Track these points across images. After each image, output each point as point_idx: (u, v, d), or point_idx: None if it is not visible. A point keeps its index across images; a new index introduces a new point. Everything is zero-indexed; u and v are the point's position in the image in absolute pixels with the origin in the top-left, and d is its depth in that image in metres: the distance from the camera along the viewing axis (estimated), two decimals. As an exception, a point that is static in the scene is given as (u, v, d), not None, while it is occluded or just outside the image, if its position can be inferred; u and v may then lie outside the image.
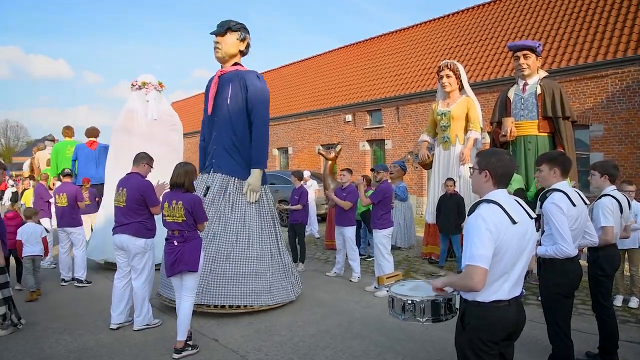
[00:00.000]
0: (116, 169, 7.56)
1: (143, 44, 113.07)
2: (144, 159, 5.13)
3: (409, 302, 2.63)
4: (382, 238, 6.36)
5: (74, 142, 10.11)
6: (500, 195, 2.39)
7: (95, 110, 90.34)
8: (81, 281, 6.98)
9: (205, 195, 5.60)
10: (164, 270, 5.15)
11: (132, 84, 8.44)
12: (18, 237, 6.29)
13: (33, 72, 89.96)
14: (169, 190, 4.51)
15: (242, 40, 6.07)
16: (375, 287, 6.40)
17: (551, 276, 3.34)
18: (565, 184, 3.39)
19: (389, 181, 6.93)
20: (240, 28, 6.02)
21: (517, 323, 2.42)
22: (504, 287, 2.33)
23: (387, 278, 3.04)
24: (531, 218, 2.45)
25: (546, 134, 7.36)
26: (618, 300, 5.62)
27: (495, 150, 2.57)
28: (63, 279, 7.07)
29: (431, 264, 8.14)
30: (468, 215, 2.41)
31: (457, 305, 2.59)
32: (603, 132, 11.63)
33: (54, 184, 9.09)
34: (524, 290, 5.90)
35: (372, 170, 7.45)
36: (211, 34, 6.03)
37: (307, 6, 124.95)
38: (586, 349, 4.18)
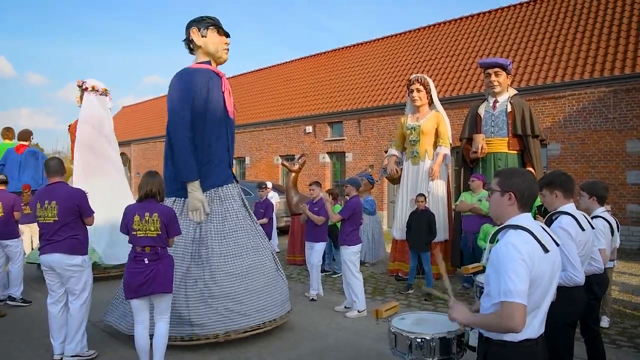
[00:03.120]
0: (95, 175, 7.40)
1: (92, 46, 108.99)
2: (62, 168, 4.51)
3: (419, 340, 2.32)
4: (351, 255, 6.06)
5: (12, 145, 9.30)
6: (527, 220, 2.14)
7: (39, 113, 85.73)
8: (15, 299, 6.25)
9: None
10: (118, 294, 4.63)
11: (94, 88, 8.14)
12: None
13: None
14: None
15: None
16: (345, 307, 6.09)
17: (559, 305, 3.12)
18: (572, 207, 3.20)
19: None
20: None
21: None
22: (533, 323, 2.07)
23: (385, 311, 2.72)
24: (557, 245, 2.20)
25: (516, 152, 7.37)
26: (590, 321, 5.57)
27: (518, 170, 2.31)
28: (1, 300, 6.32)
29: (398, 280, 7.92)
30: (490, 242, 2.14)
31: (471, 343, 2.30)
32: (560, 152, 11.93)
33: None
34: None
35: (336, 183, 7.14)
36: (227, 34, 5.59)
37: (267, 15, 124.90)
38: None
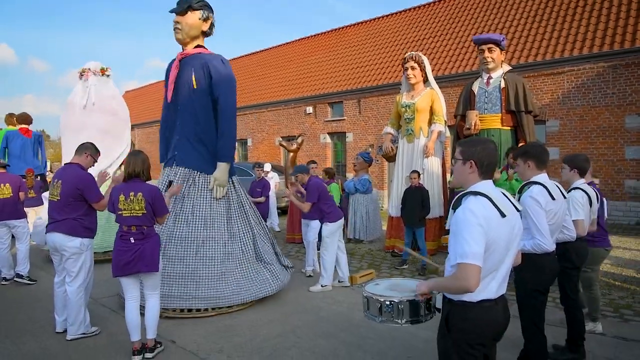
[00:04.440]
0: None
1: (95, 32, 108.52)
2: (87, 149, 4.56)
3: (387, 302, 2.44)
4: (328, 232, 6.17)
5: (15, 129, 9.47)
6: (487, 186, 2.24)
7: (43, 99, 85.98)
8: (22, 277, 6.47)
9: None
10: None
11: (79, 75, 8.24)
12: None
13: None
14: (110, 178, 4.12)
15: (205, 19, 5.49)
16: (339, 282, 6.18)
17: (528, 272, 3.24)
18: (544, 177, 3.29)
19: (317, 176, 6.79)
20: (203, 6, 5.45)
21: (504, 323, 2.28)
22: (491, 285, 2.18)
23: (360, 277, 2.85)
24: (518, 211, 2.31)
25: (509, 128, 7.41)
26: (579, 293, 5.69)
27: (479, 139, 2.41)
28: (4, 278, 6.53)
29: (394, 256, 8.06)
30: (452, 209, 2.24)
31: (437, 305, 2.42)
32: (559, 128, 11.93)
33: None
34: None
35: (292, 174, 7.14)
36: (170, 12, 5.44)
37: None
38: (552, 341, 4.15)
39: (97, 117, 7.90)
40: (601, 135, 11.35)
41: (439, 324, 2.35)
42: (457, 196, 2.27)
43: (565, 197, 3.42)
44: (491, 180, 2.29)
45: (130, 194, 3.88)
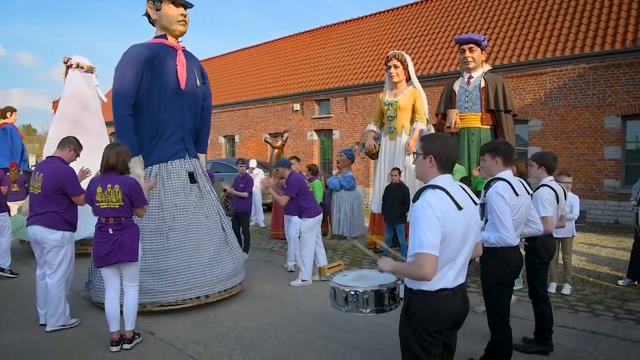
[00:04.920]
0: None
1: (84, 26, 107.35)
2: (71, 144, 4.60)
3: (352, 293, 2.55)
4: (307, 227, 6.26)
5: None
6: (445, 180, 2.34)
7: (30, 93, 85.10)
8: (3, 270, 6.48)
9: (192, 182, 5.46)
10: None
11: (79, 65, 8.33)
12: None
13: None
14: (92, 175, 4.16)
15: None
16: (302, 281, 6.22)
17: (493, 265, 3.36)
18: (509, 174, 3.41)
19: (298, 171, 6.86)
20: None
21: (462, 312, 2.38)
22: (449, 274, 2.28)
23: (328, 268, 2.96)
24: (475, 204, 2.41)
25: (488, 127, 7.54)
26: (552, 288, 5.83)
27: (439, 135, 2.51)
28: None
29: (376, 253, 8.17)
30: (413, 202, 2.33)
31: (401, 295, 2.53)
32: (541, 127, 12.13)
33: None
34: (467, 280, 6.04)
35: (274, 167, 7.15)
36: (184, 5, 5.47)
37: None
38: (522, 334, 4.29)
39: (70, 107, 8.11)
40: (582, 135, 11.57)
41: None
42: (417, 190, 2.37)
43: (529, 193, 3.54)
44: (450, 175, 2.39)
45: (107, 186, 3.93)
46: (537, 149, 11.90)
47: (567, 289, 5.82)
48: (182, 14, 5.43)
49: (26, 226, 4.54)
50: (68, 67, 8.35)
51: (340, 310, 2.63)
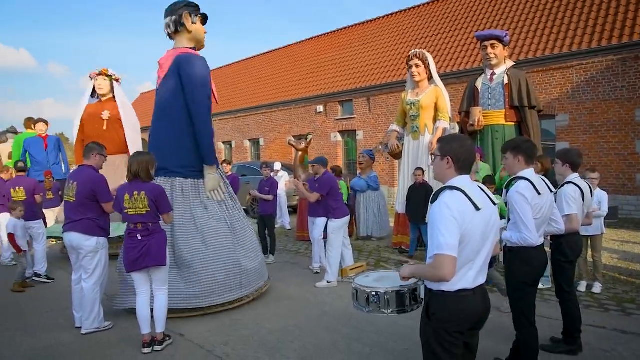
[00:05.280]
0: None
1: (111, 35, 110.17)
2: (94, 150, 4.76)
3: (373, 293, 2.58)
4: (334, 228, 6.30)
5: (34, 134, 9.80)
6: (463, 181, 2.35)
7: (62, 103, 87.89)
8: (40, 276, 6.74)
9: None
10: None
11: (117, 80, 8.74)
12: (10, 231, 6.34)
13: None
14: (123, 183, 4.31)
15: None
16: (327, 282, 6.24)
17: (516, 264, 3.34)
18: (531, 172, 3.37)
19: (330, 172, 6.91)
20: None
21: (482, 312, 2.39)
22: (468, 275, 2.29)
23: (350, 270, 2.98)
24: (494, 204, 2.41)
25: (513, 123, 7.44)
26: (582, 286, 5.73)
27: (456, 136, 2.52)
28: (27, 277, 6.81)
29: (401, 253, 8.15)
30: (431, 203, 2.35)
31: (422, 296, 2.55)
32: (568, 122, 11.87)
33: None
34: (491, 281, 5.97)
35: (310, 163, 7.20)
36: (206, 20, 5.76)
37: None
38: (551, 334, 4.24)
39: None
40: (612, 129, 11.27)
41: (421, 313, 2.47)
42: (435, 191, 2.39)
43: (551, 191, 3.50)
44: (468, 175, 2.40)
45: (134, 193, 4.09)
46: (565, 144, 11.65)
47: (597, 288, 5.70)
48: (205, 32, 5.76)
49: (62, 233, 4.73)
50: (114, 80, 8.67)
51: (362, 311, 2.67)
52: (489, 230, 2.33)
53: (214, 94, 5.65)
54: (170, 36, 5.70)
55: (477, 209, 2.24)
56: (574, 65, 11.68)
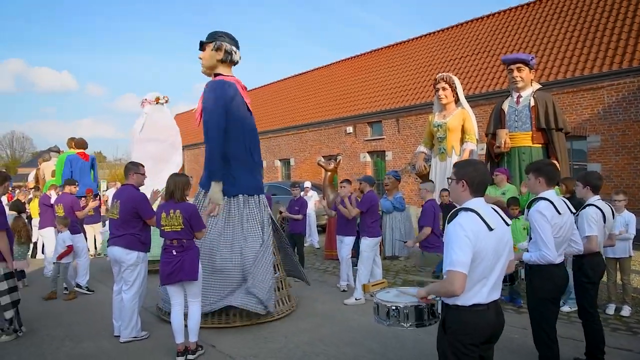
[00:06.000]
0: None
1: (145, 56, 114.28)
2: (130, 170, 5.15)
3: (394, 308, 2.75)
4: (367, 246, 6.48)
5: (73, 152, 10.38)
6: (477, 203, 2.52)
7: (100, 123, 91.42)
8: (81, 287, 7.15)
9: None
10: None
11: (147, 102, 9.24)
12: (68, 244, 6.88)
13: (38, 83, 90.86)
14: (161, 199, 4.64)
15: (217, 49, 5.88)
16: (355, 299, 6.44)
17: (538, 281, 3.46)
18: (552, 193, 3.50)
19: (374, 191, 7.09)
20: (213, 38, 5.90)
21: (496, 326, 2.52)
22: (482, 291, 2.44)
23: (372, 286, 3.17)
24: (507, 225, 2.57)
25: (540, 145, 7.49)
26: (610, 309, 5.70)
27: (471, 161, 2.70)
28: (66, 287, 7.22)
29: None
30: (447, 223, 2.53)
31: (440, 311, 2.70)
32: (600, 143, 11.75)
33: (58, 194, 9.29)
34: (508, 297, 5.98)
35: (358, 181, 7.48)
36: (200, 47, 6.03)
37: (308, 19, 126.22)
38: (576, 355, 4.27)
39: (149, 145, 8.78)
40: (645, 150, 11.10)
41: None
42: (451, 212, 2.57)
43: (572, 212, 3.61)
44: (482, 198, 2.57)
45: (170, 211, 4.40)
46: (597, 165, 11.53)
47: (626, 311, 5.64)
48: (198, 58, 6.03)
49: (107, 247, 5.09)
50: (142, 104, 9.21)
51: (382, 324, 2.84)
52: (501, 248, 2.48)
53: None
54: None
55: (490, 229, 2.41)
56: (605, 86, 11.61)
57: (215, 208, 5.52)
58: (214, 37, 5.92)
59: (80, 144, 10.29)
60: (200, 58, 6.00)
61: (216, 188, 5.61)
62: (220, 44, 5.89)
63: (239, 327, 5.37)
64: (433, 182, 8.15)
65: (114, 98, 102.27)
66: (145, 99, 9.08)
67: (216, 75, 5.99)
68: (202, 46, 5.95)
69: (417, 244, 6.68)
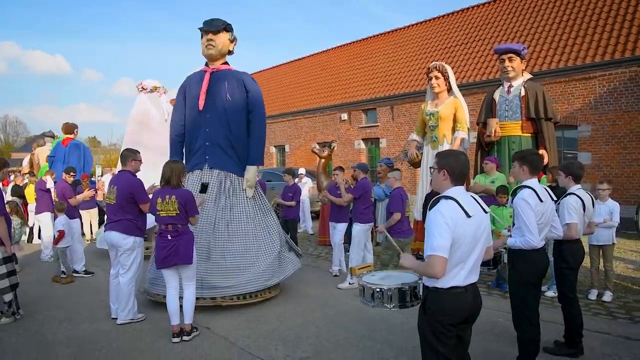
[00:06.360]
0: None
1: (146, 43, 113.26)
2: (128, 157, 5.24)
3: (378, 290, 2.90)
4: (359, 232, 6.64)
5: (60, 138, 10.44)
6: (456, 191, 2.66)
7: (96, 108, 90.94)
8: (78, 272, 7.27)
9: (202, 192, 5.80)
10: (151, 266, 5.38)
11: (143, 87, 9.10)
12: (59, 229, 6.88)
13: (32, 67, 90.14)
14: (158, 187, 4.76)
15: (232, 40, 6.22)
16: (349, 284, 6.60)
17: (520, 265, 3.63)
18: (534, 181, 3.66)
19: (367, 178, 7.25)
20: (232, 29, 6.18)
21: (473, 308, 2.68)
22: (460, 274, 2.59)
23: (359, 269, 3.31)
24: (485, 212, 2.71)
25: (529, 135, 7.62)
26: (593, 295, 5.89)
27: (452, 152, 2.84)
28: (63, 271, 7.34)
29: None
30: (428, 211, 2.67)
31: (420, 293, 2.85)
32: (591, 133, 11.91)
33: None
34: (507, 286, 6.16)
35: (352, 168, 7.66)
36: (206, 31, 6.02)
37: (305, 5, 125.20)
38: (556, 338, 4.45)
39: (144, 135, 8.85)
40: (634, 140, 11.27)
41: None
42: (432, 200, 2.70)
43: (553, 200, 3.77)
44: (462, 186, 2.71)
45: (166, 197, 4.53)
46: (587, 154, 11.70)
47: (607, 296, 5.83)
48: (207, 39, 6.07)
49: (104, 232, 5.23)
50: (150, 91, 9.21)
51: (367, 305, 2.99)
52: (479, 234, 2.63)
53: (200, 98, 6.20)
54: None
55: (468, 216, 2.55)
56: (597, 76, 11.74)
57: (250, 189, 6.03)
58: (231, 27, 6.16)
59: (65, 128, 10.30)
60: (213, 40, 6.03)
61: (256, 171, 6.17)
62: (235, 38, 6.21)
63: (235, 307, 5.51)
64: (400, 170, 8.29)
65: (110, 83, 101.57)
66: (143, 86, 9.08)
67: (225, 63, 6.27)
68: (219, 30, 6.03)
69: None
